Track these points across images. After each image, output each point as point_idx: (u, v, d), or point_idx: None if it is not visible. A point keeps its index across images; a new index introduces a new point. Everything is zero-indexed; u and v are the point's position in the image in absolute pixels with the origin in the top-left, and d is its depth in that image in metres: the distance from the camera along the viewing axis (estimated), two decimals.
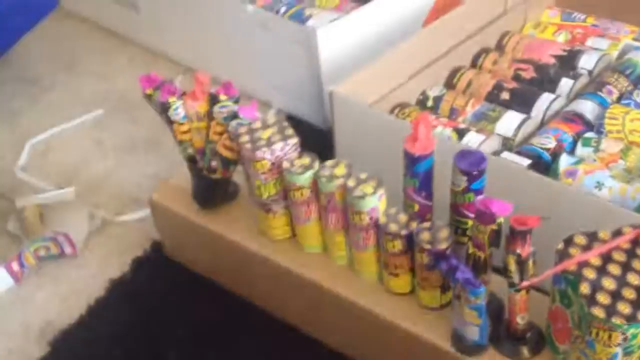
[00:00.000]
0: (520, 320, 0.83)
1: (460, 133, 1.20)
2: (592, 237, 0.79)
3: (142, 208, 1.24)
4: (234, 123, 0.99)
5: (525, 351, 0.84)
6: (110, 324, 1.08)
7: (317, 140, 1.29)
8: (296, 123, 1.44)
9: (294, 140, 0.96)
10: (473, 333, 0.84)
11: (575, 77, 1.32)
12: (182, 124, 1.03)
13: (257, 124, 0.98)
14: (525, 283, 0.77)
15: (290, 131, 0.97)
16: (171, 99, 1.01)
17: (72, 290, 1.15)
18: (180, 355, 1.03)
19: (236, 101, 1.01)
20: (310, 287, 0.98)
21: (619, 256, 0.77)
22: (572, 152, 1.19)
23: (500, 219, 0.79)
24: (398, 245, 0.89)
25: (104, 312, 1.10)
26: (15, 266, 1.15)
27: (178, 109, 1.01)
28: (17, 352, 1.06)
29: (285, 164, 0.95)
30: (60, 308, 1.12)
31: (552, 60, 1.37)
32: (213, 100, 1.01)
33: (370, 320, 0.93)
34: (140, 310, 1.10)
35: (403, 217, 0.90)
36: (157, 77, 1.02)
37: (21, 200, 1.22)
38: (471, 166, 0.84)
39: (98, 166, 1.39)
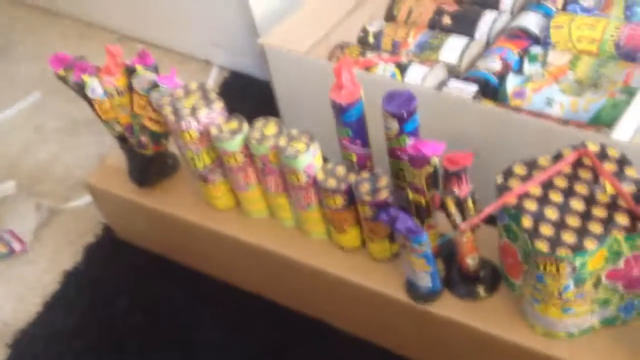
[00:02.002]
0: (470, 261, 0.80)
1: (403, 67, 1.15)
2: (532, 165, 0.75)
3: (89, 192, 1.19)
4: (155, 94, 0.93)
5: (480, 291, 0.81)
6: (68, 317, 1.05)
7: (264, 95, 1.24)
8: (240, 79, 1.40)
9: (219, 104, 0.91)
10: (425, 280, 0.81)
11: None
12: (102, 101, 0.97)
13: (179, 92, 0.93)
14: (464, 224, 0.73)
15: (214, 95, 0.92)
16: (85, 77, 0.95)
17: (26, 288, 1.11)
18: (140, 339, 1.00)
19: (154, 70, 0.95)
20: (260, 253, 0.94)
21: (561, 182, 0.73)
22: (520, 70, 1.14)
23: (435, 160, 0.75)
24: (340, 200, 0.85)
25: (61, 305, 1.07)
26: None
27: (94, 87, 0.96)
28: None
29: (213, 131, 0.90)
30: (17, 307, 1.09)
31: None
32: (130, 72, 0.95)
33: (324, 279, 0.90)
34: (97, 299, 1.07)
35: (341, 170, 0.86)
36: (67, 56, 0.96)
37: None
38: (400, 108, 0.80)
39: (40, 153, 1.34)
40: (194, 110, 0.90)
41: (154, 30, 1.51)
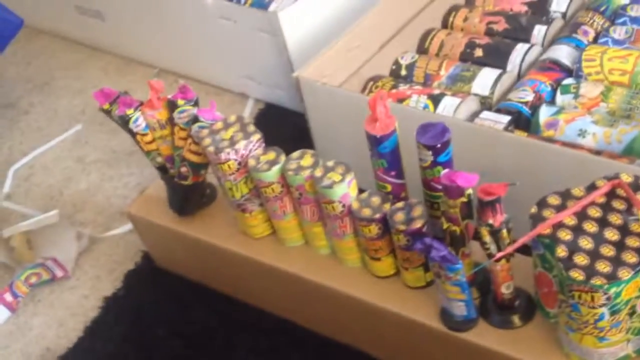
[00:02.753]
0: (505, 290, 0.80)
1: (436, 99, 1.17)
2: (566, 196, 0.76)
3: (129, 221, 1.23)
4: (195, 127, 0.97)
5: (515, 320, 0.82)
6: (108, 342, 1.08)
7: (299, 126, 1.27)
8: (275, 111, 1.44)
9: (257, 136, 0.94)
10: (460, 309, 0.82)
11: (548, 22, 1.27)
12: (145, 134, 1.01)
13: (219, 125, 0.96)
14: (500, 254, 0.74)
15: (252, 127, 0.95)
16: (129, 111, 0.99)
17: (68, 314, 1.14)
18: None
19: (195, 104, 0.99)
20: (296, 280, 0.96)
21: (595, 212, 0.74)
22: (552, 101, 1.15)
23: (469, 191, 0.77)
24: (374, 229, 0.87)
25: (102, 331, 1.10)
26: (8, 297, 1.15)
27: (138, 120, 1.00)
28: None
29: (251, 162, 0.93)
30: (58, 333, 1.12)
31: (524, 8, 1.33)
32: (172, 106, 0.98)
33: (358, 306, 0.91)
34: (136, 325, 1.09)
35: (376, 200, 0.88)
36: (111, 91, 1.00)
37: (7, 230, 1.22)
38: (434, 139, 0.82)
39: (81, 183, 1.38)
40: (232, 142, 0.93)
41: (191, 64, 1.55)
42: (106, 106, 1.00)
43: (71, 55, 1.74)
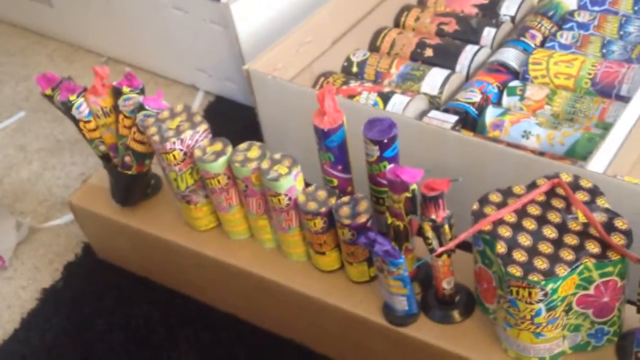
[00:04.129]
0: (446, 285, 0.81)
1: (385, 97, 1.18)
2: (507, 193, 0.77)
3: (70, 211, 1.20)
4: (140, 115, 0.95)
5: (456, 315, 0.83)
6: (46, 335, 1.05)
7: (249, 120, 1.26)
8: (225, 104, 1.42)
9: (204, 126, 0.93)
10: (401, 304, 0.82)
11: (498, 24, 1.29)
12: (88, 121, 0.99)
13: (165, 114, 0.94)
14: (441, 249, 0.75)
15: (199, 118, 0.94)
16: (72, 97, 0.96)
17: (3, 305, 1.11)
18: (119, 358, 1.00)
19: (141, 92, 0.97)
20: (240, 274, 0.95)
21: (534, 210, 0.75)
22: (499, 103, 1.17)
23: (413, 186, 0.77)
24: (319, 223, 0.86)
25: (39, 323, 1.07)
26: None
27: (81, 107, 0.97)
28: None
29: (197, 153, 0.92)
30: None
31: (474, 10, 1.35)
32: (117, 93, 0.96)
33: (303, 301, 0.91)
34: (75, 318, 1.07)
35: (322, 194, 0.87)
36: (54, 76, 0.97)
37: None
38: (381, 134, 0.82)
39: (22, 172, 1.34)
40: (178, 132, 0.92)
41: (140, 54, 1.53)
42: (48, 91, 0.97)
43: (17, 41, 1.69)
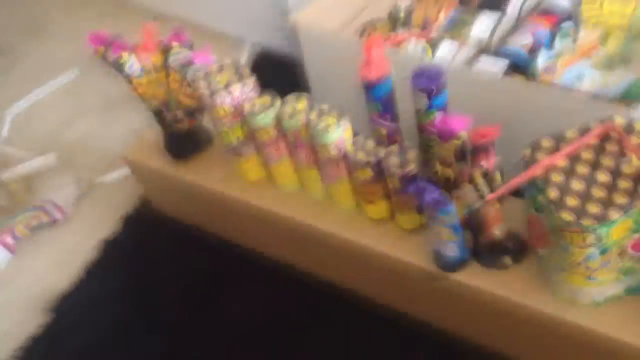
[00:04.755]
0: (497, 231, 0.81)
1: (434, 44, 1.16)
2: (559, 139, 0.76)
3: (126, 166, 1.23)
4: (190, 70, 0.96)
5: (507, 260, 0.83)
6: (107, 284, 1.10)
7: (296, 72, 1.26)
8: (272, 56, 1.42)
9: (252, 80, 0.94)
10: (452, 250, 0.83)
11: None
12: (139, 77, 1.00)
13: (213, 69, 0.95)
14: (492, 195, 0.75)
15: (247, 72, 0.95)
16: (124, 54, 0.98)
17: (67, 256, 1.16)
18: (174, 308, 1.04)
19: (190, 47, 0.98)
20: (291, 224, 0.97)
21: (588, 154, 0.74)
22: (551, 46, 1.14)
23: (463, 134, 0.77)
24: (368, 172, 0.87)
25: (100, 273, 1.12)
26: (9, 239, 1.16)
27: (133, 64, 0.99)
28: (24, 323, 1.08)
29: (246, 106, 0.93)
30: (58, 274, 1.14)
31: None
32: (166, 49, 0.98)
33: (354, 249, 0.92)
34: (133, 268, 1.11)
35: (370, 144, 0.88)
36: (105, 34, 0.99)
37: (5, 173, 1.23)
38: (429, 83, 0.81)
39: (80, 128, 1.38)
40: (227, 86, 0.93)
41: (187, 8, 1.53)
42: (100, 50, 0.99)
43: (65, 0, 1.71)
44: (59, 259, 1.16)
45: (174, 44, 0.97)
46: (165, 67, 0.99)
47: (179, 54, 0.97)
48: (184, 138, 1.04)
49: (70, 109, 1.43)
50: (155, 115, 1.05)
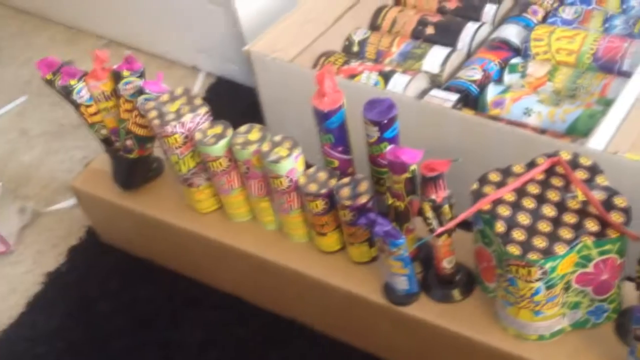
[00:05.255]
0: (446, 265, 0.82)
1: (386, 76, 1.17)
2: (507, 173, 0.77)
3: (73, 195, 1.20)
4: (141, 99, 0.95)
5: (455, 294, 0.83)
6: (51, 318, 1.06)
7: (250, 101, 1.26)
8: (226, 85, 1.42)
9: (204, 109, 0.93)
10: (402, 283, 0.83)
11: (499, 1, 1.28)
12: (89, 105, 0.99)
13: (165, 97, 0.94)
14: (441, 229, 0.75)
15: (199, 100, 0.94)
16: (72, 82, 0.97)
17: (9, 289, 1.12)
18: (122, 341, 1.01)
19: (141, 75, 0.97)
20: (242, 256, 0.96)
21: (534, 189, 0.75)
22: (500, 80, 1.16)
23: (413, 167, 0.77)
24: (320, 204, 0.87)
25: (44, 307, 1.08)
26: None
27: (81, 91, 0.97)
28: None
29: (198, 135, 0.92)
30: (0, 308, 1.09)
31: None
32: (117, 77, 0.96)
33: (304, 281, 0.91)
34: (80, 301, 1.08)
35: (323, 175, 0.88)
36: (55, 60, 0.97)
37: None
38: (381, 115, 0.82)
39: (25, 156, 1.35)
40: (179, 115, 0.92)
41: (141, 36, 1.52)
42: (49, 76, 0.97)
43: (18, 25, 1.68)
44: (0, 293, 1.12)
45: (125, 71, 0.96)
46: (115, 94, 0.97)
47: (129, 82, 0.95)
48: (134, 167, 1.02)
49: (17, 136, 1.40)
50: (104, 144, 1.03)
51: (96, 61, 0.96)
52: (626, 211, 0.71)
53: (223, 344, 0.99)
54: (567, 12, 1.23)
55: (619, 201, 0.72)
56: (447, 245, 0.80)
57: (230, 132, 0.91)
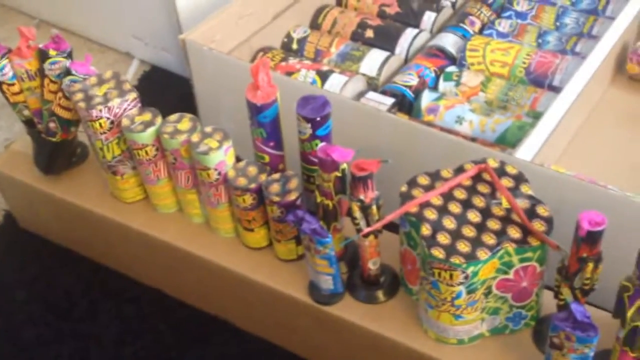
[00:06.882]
0: (372, 266, 0.81)
1: (324, 75, 1.17)
2: (435, 177, 0.78)
3: None
4: (66, 80, 0.91)
5: (379, 295, 0.83)
6: None
7: (184, 91, 1.23)
8: (160, 74, 1.39)
9: (133, 95, 0.90)
10: (327, 282, 0.82)
11: (439, 9, 1.29)
12: (11, 84, 0.94)
13: (92, 80, 0.91)
14: (367, 229, 0.75)
15: (128, 86, 0.91)
16: None
17: None
18: (36, 330, 0.97)
19: (68, 56, 0.93)
20: (166, 249, 0.93)
21: (460, 194, 0.76)
22: (435, 87, 1.18)
23: (344, 166, 0.77)
24: (248, 199, 0.85)
25: None
26: None
27: (4, 69, 0.93)
28: None
29: (125, 122, 0.89)
30: None
31: None
32: (43, 56, 0.92)
33: (228, 277, 0.90)
34: None
35: (253, 170, 0.86)
36: None
37: None
38: (314, 112, 0.81)
39: None
40: (106, 100, 0.89)
41: (76, 18, 1.47)
42: None
43: None
44: None
45: (52, 51, 0.92)
46: (40, 74, 0.93)
47: (56, 62, 0.92)
48: (56, 151, 0.98)
49: None
50: (26, 126, 0.99)
51: (21, 38, 0.92)
52: (548, 220, 0.73)
53: (141, 338, 0.96)
54: (503, 25, 1.26)
55: (541, 210, 0.74)
56: (373, 246, 0.79)
57: (159, 120, 0.89)
